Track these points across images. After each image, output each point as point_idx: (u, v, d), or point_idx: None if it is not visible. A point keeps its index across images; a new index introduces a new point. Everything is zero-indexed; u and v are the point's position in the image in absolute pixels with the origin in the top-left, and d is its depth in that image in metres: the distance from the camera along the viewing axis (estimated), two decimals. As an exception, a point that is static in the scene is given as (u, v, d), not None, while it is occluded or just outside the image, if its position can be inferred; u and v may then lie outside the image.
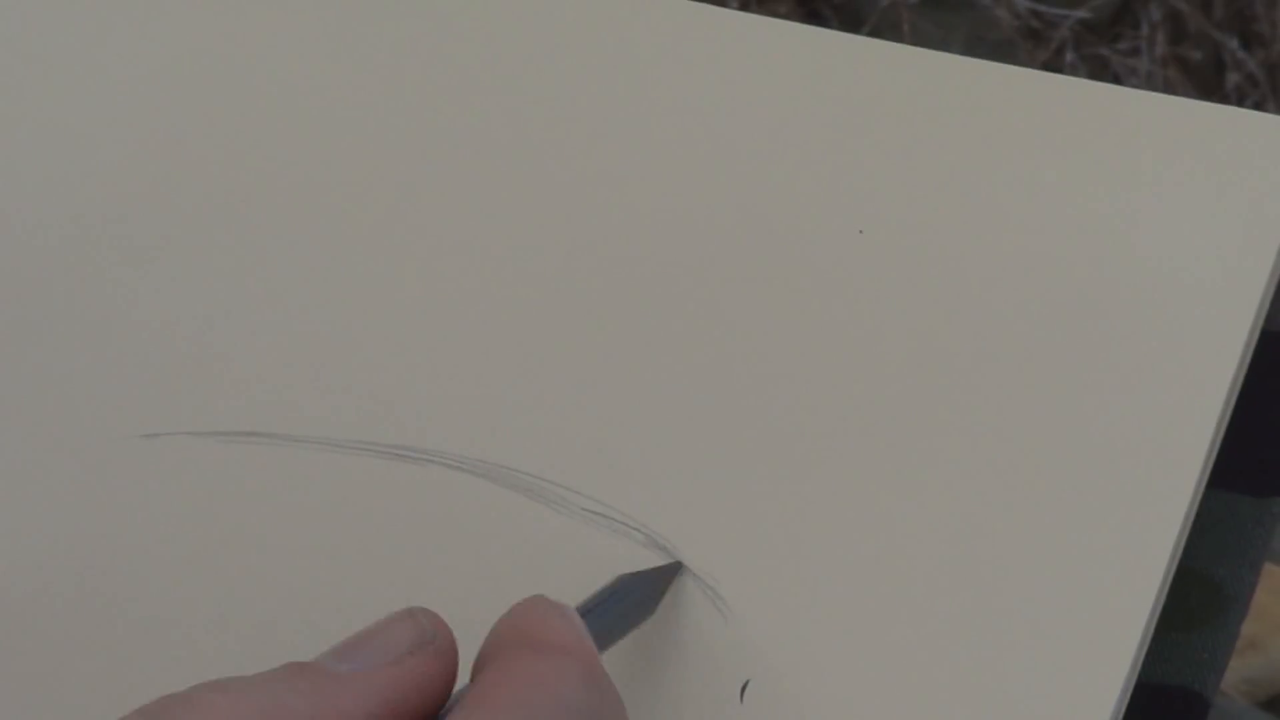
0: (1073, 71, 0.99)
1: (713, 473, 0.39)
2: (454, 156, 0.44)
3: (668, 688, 0.38)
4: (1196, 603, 0.40)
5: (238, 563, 0.42)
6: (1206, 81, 1.00)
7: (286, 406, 0.42)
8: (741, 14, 0.44)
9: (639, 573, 0.37)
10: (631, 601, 0.37)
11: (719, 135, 0.42)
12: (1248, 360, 0.37)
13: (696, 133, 0.42)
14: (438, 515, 0.40)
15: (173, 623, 0.42)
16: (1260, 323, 0.37)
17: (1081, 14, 0.99)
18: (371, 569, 0.41)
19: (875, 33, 0.97)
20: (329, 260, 0.44)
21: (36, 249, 0.46)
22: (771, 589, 0.38)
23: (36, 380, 0.45)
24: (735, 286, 0.40)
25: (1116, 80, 1.00)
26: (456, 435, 0.41)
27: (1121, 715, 0.35)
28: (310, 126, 0.45)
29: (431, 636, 0.31)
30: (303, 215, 0.44)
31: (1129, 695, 0.35)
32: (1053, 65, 0.99)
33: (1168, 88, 0.99)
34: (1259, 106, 0.99)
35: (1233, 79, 0.99)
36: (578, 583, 0.39)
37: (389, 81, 0.45)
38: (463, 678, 0.32)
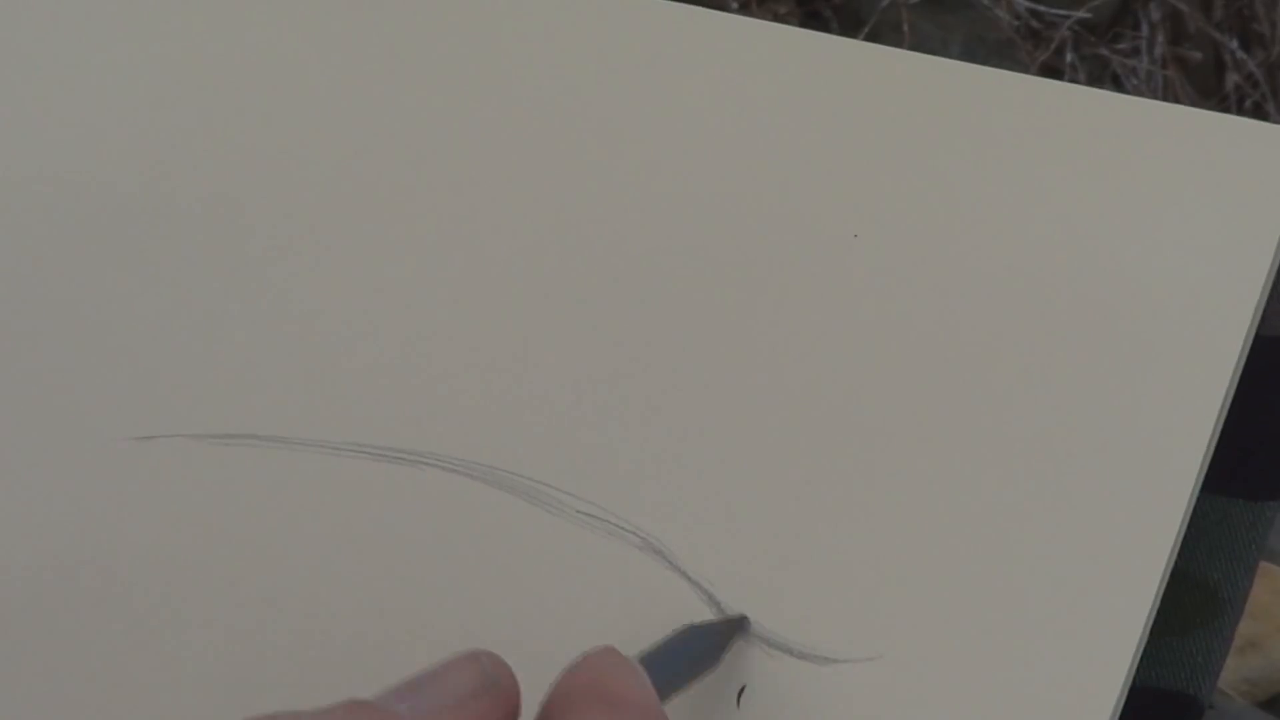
0: (1072, 72, 0.99)
1: (709, 476, 0.39)
2: (452, 159, 0.44)
3: (663, 691, 0.38)
4: (1192, 606, 0.40)
5: (233, 565, 0.42)
6: (1206, 82, 1.00)
7: (281, 409, 0.42)
8: (739, 18, 0.44)
9: (703, 625, 0.37)
10: (694, 653, 0.36)
11: (716, 139, 0.42)
12: (1243, 365, 0.37)
13: (694, 136, 0.42)
14: (433, 518, 0.40)
15: (168, 624, 0.42)
16: (1255, 328, 0.37)
17: (1081, 14, 0.99)
18: (367, 571, 0.41)
19: (875, 33, 0.97)
20: (325, 263, 0.44)
21: (31, 251, 0.46)
22: (767, 593, 0.38)
23: (31, 383, 0.45)
24: (731, 289, 0.40)
25: (1116, 80, 1.00)
26: (452, 438, 0.41)
27: (1117, 719, 0.35)
28: (305, 130, 0.45)
29: (494, 680, 0.31)
30: (298, 218, 0.44)
31: (1124, 699, 0.35)
32: (1052, 66, 0.99)
33: (1167, 88, 0.99)
34: (1259, 107, 0.99)
35: (1232, 79, 0.99)
36: (574, 586, 0.39)
37: (389, 85, 0.45)
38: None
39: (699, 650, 0.36)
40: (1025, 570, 0.36)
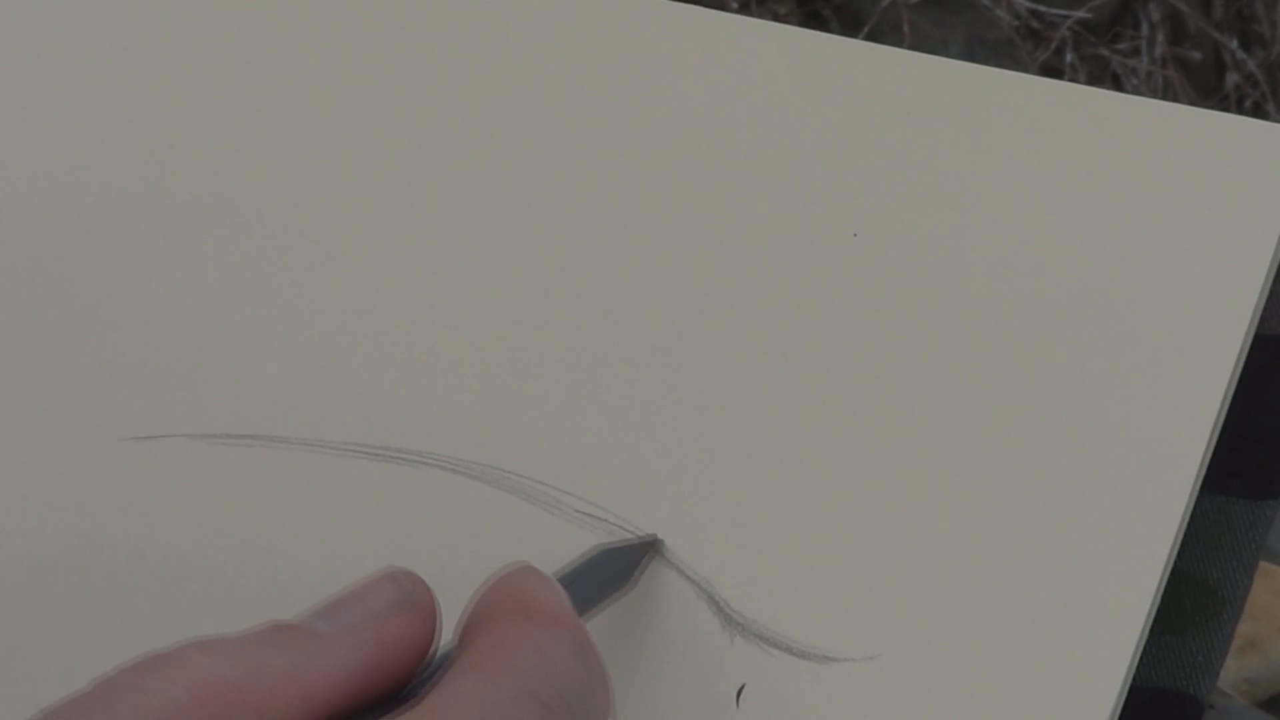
0: (1072, 72, 0.99)
1: (707, 475, 0.39)
2: (452, 159, 0.44)
3: (663, 692, 0.38)
4: (1191, 606, 0.40)
5: (232, 565, 0.42)
6: (1206, 82, 1.01)
7: (280, 409, 0.42)
8: (739, 17, 0.44)
9: (617, 546, 0.38)
10: (609, 574, 0.37)
11: (715, 138, 0.42)
12: (1242, 364, 0.37)
13: (693, 136, 0.42)
14: (431, 517, 0.40)
15: (168, 624, 0.42)
16: (1255, 326, 0.37)
17: (1081, 14, 0.99)
18: (365, 571, 0.41)
19: (875, 33, 0.97)
20: (324, 263, 0.44)
21: (31, 250, 0.46)
22: (767, 591, 0.38)
23: (31, 383, 0.45)
24: (730, 288, 0.40)
25: (1116, 80, 1.00)
26: (450, 437, 0.41)
27: (1116, 719, 0.35)
28: (304, 130, 0.45)
29: (412, 597, 0.32)
30: (297, 218, 0.44)
31: (1124, 698, 0.35)
32: (1052, 65, 0.99)
33: (1167, 88, 0.99)
34: (1258, 107, 0.99)
35: (1232, 79, 0.99)
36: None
37: (388, 84, 0.45)
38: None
39: (613, 571, 0.37)
40: (1024, 569, 0.36)
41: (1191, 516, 0.36)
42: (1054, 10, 0.99)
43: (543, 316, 0.41)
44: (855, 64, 0.42)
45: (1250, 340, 0.37)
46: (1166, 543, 0.36)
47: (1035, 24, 0.99)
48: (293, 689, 0.28)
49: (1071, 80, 0.96)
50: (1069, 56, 0.99)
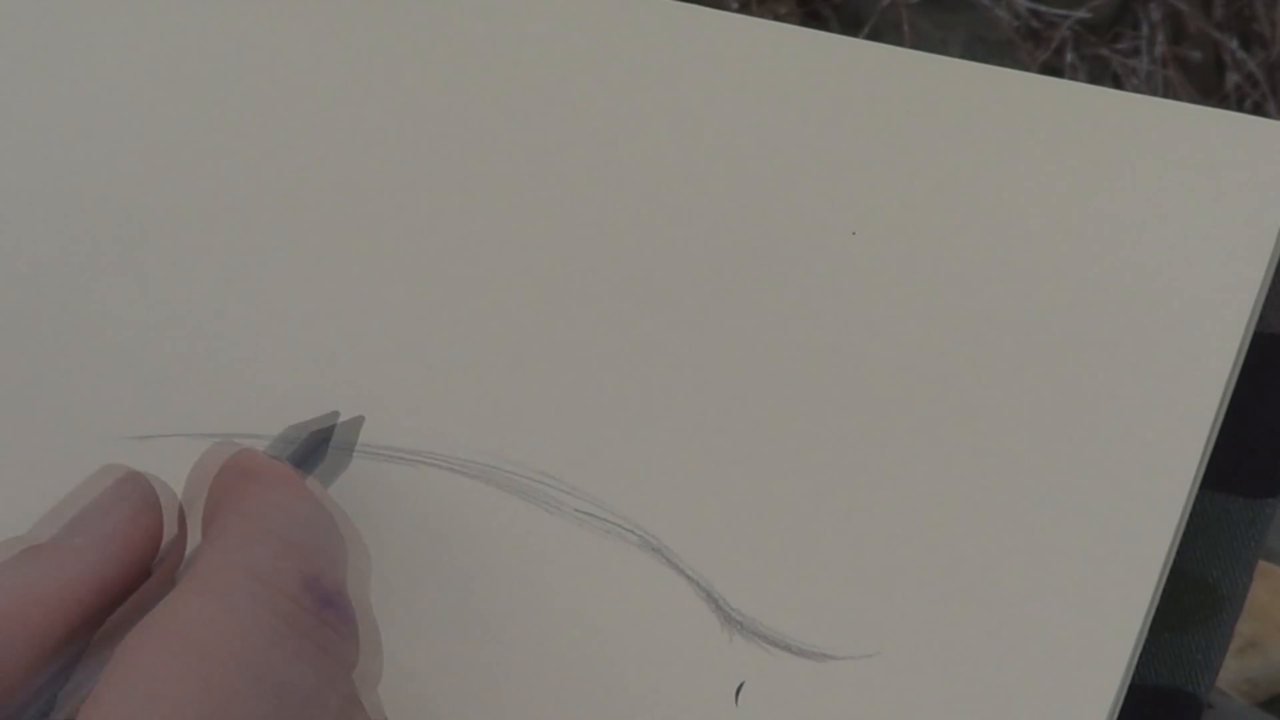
0: (1072, 71, 0.99)
1: (708, 474, 0.39)
2: (452, 158, 0.44)
3: (662, 691, 0.38)
4: (1190, 604, 0.40)
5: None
6: (1206, 82, 1.01)
7: (279, 408, 0.42)
8: (739, 16, 0.44)
9: (302, 426, 0.39)
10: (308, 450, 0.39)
11: (716, 138, 0.42)
12: (1241, 362, 0.37)
13: (693, 134, 0.42)
14: (430, 517, 0.40)
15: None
16: (1254, 325, 0.37)
17: (1081, 14, 0.99)
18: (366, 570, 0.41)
19: (875, 33, 0.97)
20: (322, 262, 0.44)
21: (29, 250, 0.46)
22: (766, 591, 0.38)
23: (29, 382, 0.45)
24: (729, 287, 0.40)
25: (1116, 80, 1.00)
26: (450, 437, 0.41)
27: (1115, 717, 0.35)
28: (302, 129, 0.45)
29: (135, 492, 0.34)
30: (295, 217, 0.44)
31: (1123, 696, 0.35)
32: (1052, 65, 0.99)
33: (1168, 88, 0.99)
34: (1259, 107, 0.99)
35: (1233, 79, 0.99)
36: (572, 585, 0.39)
37: (388, 84, 0.45)
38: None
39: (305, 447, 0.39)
40: (1024, 567, 0.36)
41: (1191, 514, 0.36)
42: (1054, 10, 0.99)
43: (542, 316, 0.41)
44: (855, 64, 0.42)
45: (1249, 338, 0.37)
46: (1166, 540, 0.36)
47: (1035, 24, 0.99)
48: (33, 598, 0.32)
49: (1072, 80, 0.96)
50: (1069, 56, 0.99)
